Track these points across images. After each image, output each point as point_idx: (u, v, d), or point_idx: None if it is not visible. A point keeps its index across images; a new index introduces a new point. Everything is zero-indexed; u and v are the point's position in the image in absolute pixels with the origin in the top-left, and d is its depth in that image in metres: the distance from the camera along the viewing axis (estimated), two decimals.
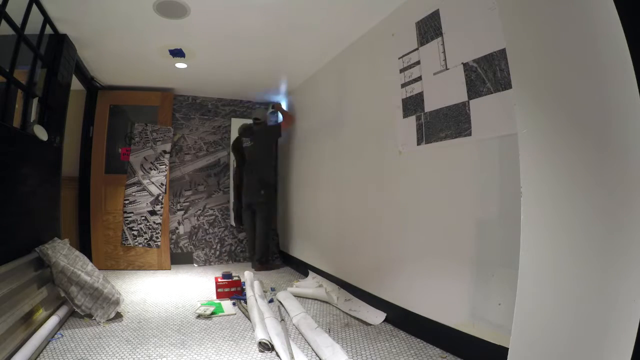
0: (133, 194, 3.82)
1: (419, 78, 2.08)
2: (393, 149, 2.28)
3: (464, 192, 1.78)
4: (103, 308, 2.22)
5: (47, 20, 2.34)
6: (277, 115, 3.70)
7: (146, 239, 3.80)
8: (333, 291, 2.67)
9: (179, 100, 4.25)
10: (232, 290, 2.76)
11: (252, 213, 3.90)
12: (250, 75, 3.67)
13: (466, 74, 1.76)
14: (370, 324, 2.22)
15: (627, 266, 0.90)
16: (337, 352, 1.72)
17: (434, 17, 1.96)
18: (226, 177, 4.39)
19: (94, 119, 3.82)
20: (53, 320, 1.95)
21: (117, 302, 2.28)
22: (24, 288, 1.82)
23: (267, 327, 2.01)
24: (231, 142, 4.34)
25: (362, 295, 2.54)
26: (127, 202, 3.80)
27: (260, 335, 1.90)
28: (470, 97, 1.74)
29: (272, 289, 3.03)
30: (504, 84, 1.56)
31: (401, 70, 2.22)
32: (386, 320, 2.26)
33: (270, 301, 2.71)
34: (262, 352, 1.81)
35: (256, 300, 2.49)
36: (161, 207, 3.86)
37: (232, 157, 4.41)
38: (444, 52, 1.90)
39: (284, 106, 4.26)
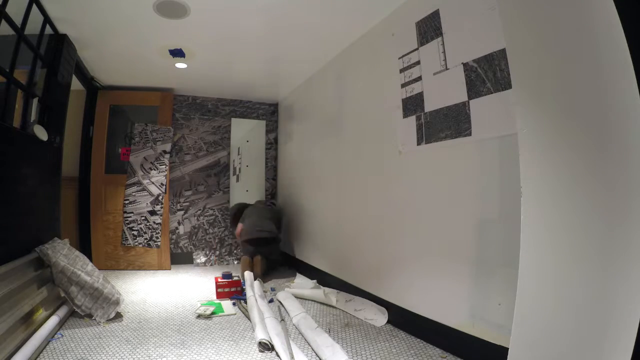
0: (133, 194, 3.82)
1: (419, 78, 2.08)
2: (393, 149, 2.28)
3: (464, 192, 1.78)
4: (103, 308, 2.22)
5: (47, 20, 2.34)
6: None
7: (146, 239, 3.80)
8: (331, 293, 2.67)
9: (179, 100, 4.25)
10: (232, 290, 2.76)
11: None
12: (250, 75, 3.67)
13: (466, 74, 1.76)
14: (376, 326, 2.21)
15: (627, 266, 0.90)
16: (337, 352, 1.72)
17: (434, 17, 1.96)
18: (226, 177, 4.39)
19: (94, 119, 3.82)
20: (53, 321, 1.95)
21: (117, 302, 2.28)
22: (24, 288, 1.82)
23: (267, 327, 2.01)
24: (231, 142, 4.36)
25: (362, 295, 2.54)
26: (127, 202, 3.80)
27: (260, 335, 1.90)
28: (470, 97, 1.74)
29: (272, 289, 3.03)
30: (504, 84, 1.56)
31: (401, 70, 2.22)
32: (386, 320, 2.26)
33: (270, 301, 2.71)
34: (262, 352, 1.81)
35: (256, 300, 2.49)
36: (161, 207, 3.86)
37: (232, 157, 4.42)
38: (444, 52, 1.90)
39: None
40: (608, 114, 0.95)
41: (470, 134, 1.74)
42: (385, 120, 2.37)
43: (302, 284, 3.09)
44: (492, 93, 1.63)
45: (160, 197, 3.86)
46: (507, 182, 1.55)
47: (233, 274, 2.87)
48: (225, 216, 4.34)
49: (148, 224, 3.81)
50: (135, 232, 3.78)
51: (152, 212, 3.83)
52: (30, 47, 2.15)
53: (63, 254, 2.21)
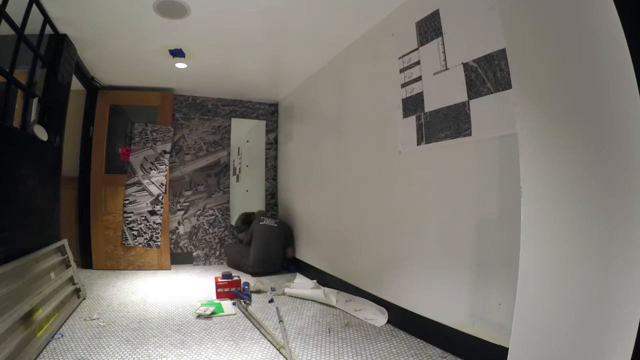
0: (133, 194, 3.82)
1: (419, 78, 2.08)
2: (393, 149, 2.28)
3: (464, 192, 1.78)
4: None
5: (47, 20, 2.34)
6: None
7: (146, 239, 3.79)
8: (331, 293, 2.67)
9: (179, 100, 4.25)
10: (232, 290, 2.76)
11: None
12: (250, 75, 3.67)
13: (466, 74, 1.76)
14: (376, 326, 2.21)
15: (627, 266, 0.90)
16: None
17: (434, 17, 1.96)
18: (226, 177, 4.39)
19: (94, 119, 3.82)
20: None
21: None
22: (24, 288, 1.82)
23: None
24: (231, 142, 4.36)
25: (362, 295, 2.54)
26: (127, 202, 3.80)
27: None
28: (470, 97, 1.74)
29: (272, 289, 3.03)
30: (504, 84, 1.56)
31: (401, 70, 2.22)
32: (386, 320, 2.26)
33: (271, 301, 2.71)
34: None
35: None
36: (161, 207, 3.86)
37: (232, 157, 4.42)
38: (444, 52, 1.90)
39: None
40: (608, 114, 0.95)
41: (470, 134, 1.74)
42: (385, 120, 2.37)
43: (302, 284, 3.09)
44: (492, 93, 1.63)
45: (160, 197, 3.86)
46: (507, 182, 1.55)
47: (233, 274, 2.87)
48: (226, 216, 4.34)
49: (148, 224, 3.81)
50: (135, 232, 3.78)
51: (152, 212, 3.83)
52: (30, 47, 2.15)
53: None
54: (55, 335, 1.93)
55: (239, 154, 4.48)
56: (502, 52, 1.55)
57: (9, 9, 1.82)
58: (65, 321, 2.15)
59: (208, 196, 4.30)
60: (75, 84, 3.19)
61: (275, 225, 3.82)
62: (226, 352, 1.81)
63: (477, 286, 1.68)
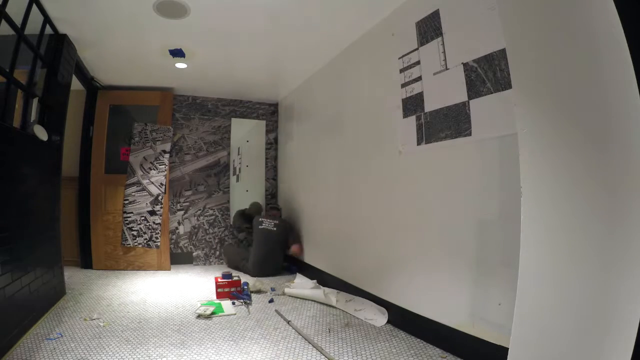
0: (133, 194, 3.82)
1: (419, 78, 2.08)
2: (393, 149, 2.28)
3: (464, 192, 1.78)
4: None
5: (47, 20, 2.34)
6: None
7: (146, 239, 3.79)
8: (331, 293, 2.67)
9: (179, 100, 4.25)
10: (231, 292, 2.76)
11: None
12: (250, 75, 3.67)
13: (466, 74, 1.76)
14: (376, 326, 2.21)
15: (627, 266, 0.90)
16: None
17: (434, 17, 1.96)
18: (226, 177, 4.39)
19: (94, 119, 3.82)
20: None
21: None
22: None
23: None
24: (231, 142, 4.36)
25: (362, 295, 2.54)
26: (126, 202, 3.80)
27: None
28: (470, 97, 1.74)
29: (272, 289, 3.03)
30: (504, 84, 1.56)
31: (401, 70, 2.22)
32: (386, 320, 2.26)
33: (271, 301, 2.71)
34: None
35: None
36: (161, 207, 3.86)
37: (232, 157, 4.42)
38: (444, 52, 1.90)
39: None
40: (608, 114, 0.95)
41: (470, 134, 1.74)
42: (385, 120, 2.37)
43: (302, 284, 3.09)
44: (492, 93, 1.63)
45: (159, 197, 3.86)
46: (507, 182, 1.55)
47: (233, 274, 2.87)
48: (226, 216, 4.34)
49: (148, 224, 3.81)
50: (135, 232, 3.78)
51: (152, 212, 3.83)
52: (30, 47, 2.15)
53: None
54: (55, 335, 1.93)
55: (239, 154, 4.48)
56: (502, 52, 1.55)
57: (9, 9, 1.82)
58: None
59: (208, 196, 4.30)
60: (75, 84, 3.19)
61: (275, 228, 3.73)
62: (226, 352, 1.81)
63: (477, 286, 1.68)
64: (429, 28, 2.00)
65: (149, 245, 3.80)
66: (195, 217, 4.23)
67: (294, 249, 3.76)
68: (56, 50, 2.54)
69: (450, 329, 1.79)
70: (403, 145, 2.20)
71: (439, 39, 1.93)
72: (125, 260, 3.76)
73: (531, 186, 1.14)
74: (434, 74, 1.97)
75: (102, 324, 2.14)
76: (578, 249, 1.02)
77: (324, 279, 3.13)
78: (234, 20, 2.47)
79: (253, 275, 3.56)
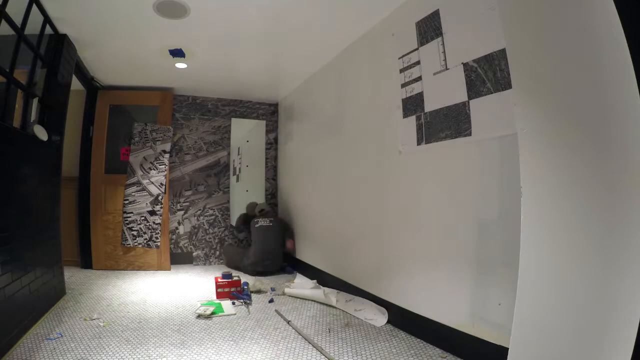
0: (133, 194, 3.82)
1: (419, 78, 2.08)
2: (393, 149, 2.28)
3: (464, 192, 1.78)
4: None
5: (47, 20, 2.34)
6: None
7: (146, 239, 3.79)
8: (331, 293, 2.67)
9: (179, 100, 4.25)
10: (231, 292, 2.76)
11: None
12: (250, 75, 3.67)
13: (466, 74, 1.76)
14: (376, 326, 2.21)
15: (627, 266, 0.90)
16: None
17: (434, 17, 1.96)
18: (226, 177, 4.39)
19: (94, 119, 3.82)
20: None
21: None
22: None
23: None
24: (231, 142, 4.36)
25: (362, 295, 2.54)
26: (126, 202, 3.80)
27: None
28: (470, 97, 1.74)
29: (272, 289, 3.03)
30: (504, 84, 1.56)
31: (401, 70, 2.22)
32: (386, 320, 2.26)
33: (271, 301, 2.71)
34: None
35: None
36: (161, 207, 3.86)
37: (232, 157, 4.42)
38: (444, 52, 1.90)
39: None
40: (608, 114, 0.95)
41: (470, 134, 1.74)
42: (385, 120, 2.37)
43: (302, 284, 3.09)
44: (492, 93, 1.63)
45: (159, 197, 3.86)
46: (507, 182, 1.55)
47: (233, 274, 2.87)
48: (226, 216, 4.34)
49: (148, 224, 3.81)
50: (135, 232, 3.78)
51: (152, 212, 3.83)
52: (30, 47, 2.15)
53: None
54: (55, 335, 1.93)
55: (239, 154, 4.48)
56: (502, 52, 1.55)
57: (9, 9, 1.82)
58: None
59: (208, 196, 4.30)
60: (75, 84, 3.19)
61: (271, 224, 3.83)
62: (226, 352, 1.81)
63: (477, 286, 1.68)
64: (429, 28, 2.00)
65: (149, 245, 3.80)
66: (195, 217, 4.23)
67: (288, 244, 3.89)
68: (56, 50, 2.54)
69: (450, 329, 1.79)
70: (403, 145, 2.20)
71: (439, 39, 1.93)
72: (125, 260, 3.76)
73: (531, 186, 1.14)
74: (434, 74, 1.97)
75: (102, 324, 2.14)
76: (578, 248, 1.02)
77: (324, 279, 3.13)
78: (234, 20, 2.47)
79: (253, 274, 3.58)
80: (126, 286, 3.09)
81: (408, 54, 2.16)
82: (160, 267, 3.80)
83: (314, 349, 1.86)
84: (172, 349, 1.84)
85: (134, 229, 3.78)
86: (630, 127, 0.90)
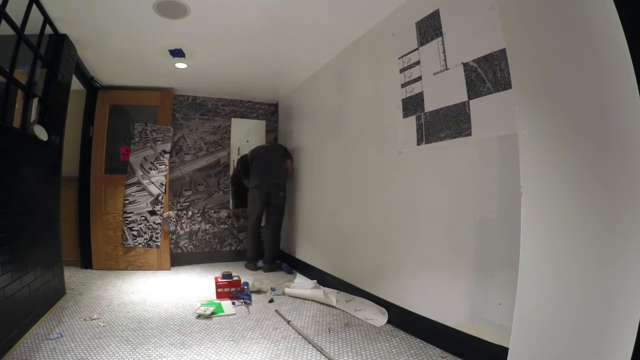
0: (133, 194, 3.82)
1: (419, 78, 2.08)
2: (393, 149, 2.28)
3: (464, 192, 1.78)
4: None
5: (47, 20, 2.34)
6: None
7: (146, 239, 3.79)
8: (331, 293, 2.67)
9: (179, 100, 4.26)
10: (231, 290, 2.76)
11: (264, 206, 3.81)
12: (250, 76, 3.67)
13: (466, 74, 1.76)
14: (376, 326, 2.21)
15: (627, 266, 0.90)
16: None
17: (434, 17, 1.96)
18: (226, 177, 4.39)
19: (94, 119, 3.82)
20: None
21: None
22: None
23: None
24: (231, 142, 4.37)
25: (362, 295, 2.54)
26: (127, 202, 3.80)
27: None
28: (470, 97, 1.74)
29: (272, 289, 3.03)
30: (504, 84, 1.56)
31: (401, 70, 2.22)
32: (386, 320, 2.26)
33: (271, 301, 2.71)
34: None
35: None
36: (161, 207, 3.86)
37: (232, 157, 4.41)
38: (444, 52, 1.90)
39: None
40: (608, 114, 0.95)
41: (470, 134, 1.74)
42: (385, 120, 2.37)
43: (302, 284, 3.09)
44: (492, 93, 1.63)
45: (160, 197, 3.86)
46: (507, 182, 1.55)
47: (233, 274, 2.87)
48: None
49: (148, 224, 3.81)
50: (135, 232, 3.78)
51: (152, 212, 3.83)
52: (30, 47, 2.15)
53: None
54: (55, 335, 1.93)
55: (239, 154, 4.48)
56: (502, 52, 1.55)
57: (9, 9, 1.82)
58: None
59: (208, 196, 4.30)
60: (75, 84, 3.19)
61: (269, 145, 4.00)
62: (226, 352, 1.81)
63: (477, 286, 1.68)
64: (429, 28, 2.00)
65: (149, 245, 3.80)
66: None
67: (288, 165, 3.93)
68: (56, 50, 2.54)
69: (450, 329, 1.79)
70: (403, 145, 2.20)
71: (439, 39, 1.93)
72: (125, 260, 3.76)
73: (531, 186, 1.14)
74: (434, 74, 1.97)
75: (102, 324, 2.14)
76: (578, 248, 1.02)
77: (324, 279, 3.13)
78: (234, 20, 2.47)
79: (258, 186, 3.75)
80: (126, 286, 3.09)
81: (408, 54, 2.16)
82: (160, 267, 3.80)
83: (314, 349, 1.86)
84: (172, 349, 1.84)
85: (134, 229, 3.78)
86: (630, 127, 0.90)
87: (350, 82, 2.87)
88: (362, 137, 2.67)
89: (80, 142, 3.80)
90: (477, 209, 1.70)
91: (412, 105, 2.13)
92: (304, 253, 3.72)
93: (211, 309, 2.41)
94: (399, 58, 2.23)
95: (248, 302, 2.66)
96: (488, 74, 1.64)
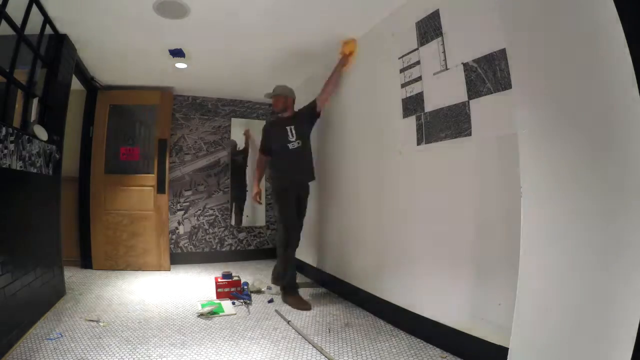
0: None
1: (419, 78, 2.08)
2: (393, 149, 2.28)
3: (464, 192, 1.78)
4: None
5: (47, 20, 2.34)
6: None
7: None
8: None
9: (179, 100, 4.25)
10: (231, 290, 2.76)
11: (298, 200, 2.84)
12: (250, 75, 3.67)
13: (466, 74, 1.76)
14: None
15: (627, 266, 0.90)
16: None
17: (434, 17, 1.96)
18: (226, 177, 4.39)
19: (94, 119, 3.82)
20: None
21: None
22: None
23: None
24: (230, 140, 4.37)
25: (362, 295, 2.54)
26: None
27: None
28: (470, 97, 1.74)
29: (269, 288, 3.02)
30: (504, 84, 1.56)
31: (401, 70, 2.22)
32: (386, 320, 2.26)
33: (270, 301, 2.71)
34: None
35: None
36: None
37: (231, 157, 4.41)
38: (444, 52, 1.90)
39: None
40: (608, 114, 0.95)
41: (470, 134, 1.74)
42: (385, 120, 2.37)
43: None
44: (492, 93, 1.63)
45: None
46: (507, 182, 1.55)
47: (233, 274, 2.87)
48: (226, 216, 4.34)
49: None
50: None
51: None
52: (30, 47, 2.15)
53: None
54: (55, 335, 1.93)
55: (237, 149, 4.47)
56: (502, 52, 1.55)
57: (9, 9, 1.82)
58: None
59: (208, 196, 4.30)
60: (75, 84, 3.19)
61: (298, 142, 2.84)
62: (226, 352, 1.81)
63: (477, 286, 1.68)
64: (429, 28, 2.00)
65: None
66: (195, 217, 4.23)
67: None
68: (56, 50, 2.54)
69: (450, 329, 1.79)
70: (403, 145, 2.20)
71: (439, 39, 1.93)
72: (125, 260, 3.75)
73: (531, 186, 1.14)
74: (434, 74, 1.97)
75: (102, 324, 2.14)
76: (578, 249, 1.02)
77: (323, 278, 3.13)
78: (234, 20, 2.47)
79: (292, 181, 2.81)
80: (126, 286, 3.09)
81: (408, 54, 2.16)
82: (160, 267, 3.80)
83: (314, 349, 1.86)
84: (172, 349, 1.84)
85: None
86: (630, 127, 0.90)
87: (350, 82, 2.87)
88: (362, 136, 2.67)
89: (80, 142, 3.80)
90: (477, 209, 1.70)
91: (412, 105, 2.13)
92: (304, 253, 3.72)
93: (211, 309, 2.40)
94: (399, 58, 2.23)
95: (248, 302, 2.66)
96: (488, 74, 1.64)
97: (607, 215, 0.95)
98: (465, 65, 1.76)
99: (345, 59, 2.82)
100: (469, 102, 1.75)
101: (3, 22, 1.81)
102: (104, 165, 3.81)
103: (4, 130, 1.75)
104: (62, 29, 2.55)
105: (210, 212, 4.30)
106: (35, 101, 2.32)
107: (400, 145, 2.23)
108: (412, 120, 2.12)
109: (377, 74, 2.49)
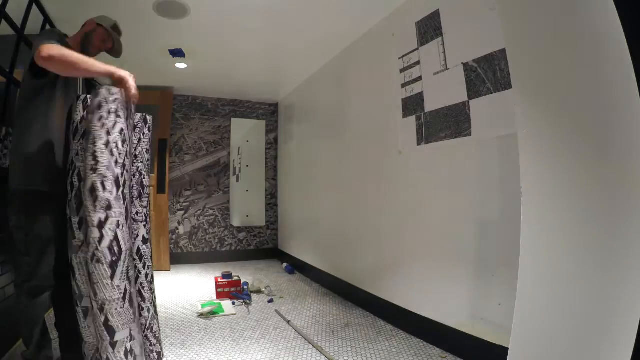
0: None
1: (419, 78, 2.08)
2: (393, 149, 2.28)
3: (464, 192, 1.78)
4: None
5: (47, 20, 2.34)
6: None
7: None
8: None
9: (179, 100, 4.26)
10: (231, 290, 2.76)
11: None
12: (250, 75, 3.67)
13: (466, 74, 1.76)
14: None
15: (627, 266, 0.90)
16: None
17: (434, 17, 1.96)
18: (226, 177, 4.39)
19: None
20: None
21: None
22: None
23: None
24: (231, 140, 4.37)
25: (363, 294, 2.54)
26: None
27: None
28: (470, 97, 1.74)
29: (268, 287, 3.03)
30: (504, 84, 1.56)
31: (401, 70, 2.22)
32: (386, 320, 2.26)
33: (270, 301, 2.71)
34: None
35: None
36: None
37: (232, 157, 4.42)
38: (444, 52, 1.90)
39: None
40: (608, 114, 0.95)
41: (470, 134, 1.74)
42: (385, 120, 2.37)
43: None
44: (492, 93, 1.63)
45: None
46: (507, 182, 1.55)
47: (233, 274, 2.87)
48: (226, 216, 4.34)
49: None
50: None
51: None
52: (30, 47, 2.14)
53: None
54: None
55: (239, 154, 4.48)
56: (502, 52, 1.55)
57: (9, 9, 1.82)
58: None
59: (208, 196, 4.30)
60: None
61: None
62: (226, 352, 1.81)
63: (477, 286, 1.68)
64: (429, 28, 2.00)
65: None
66: (195, 217, 4.23)
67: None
68: None
69: (450, 329, 1.79)
70: (403, 145, 2.20)
71: (439, 39, 1.93)
72: None
73: (531, 186, 1.14)
74: (434, 74, 1.97)
75: None
76: (578, 248, 1.02)
77: (323, 278, 3.13)
78: (234, 20, 2.47)
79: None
80: None
81: (408, 54, 2.16)
82: (160, 268, 3.80)
83: (314, 348, 1.87)
84: (172, 349, 1.84)
85: None
86: (631, 128, 0.90)
87: (350, 82, 2.87)
88: (362, 137, 2.67)
89: None
90: (477, 209, 1.71)
91: (412, 105, 2.13)
92: (304, 253, 3.72)
93: (211, 309, 2.41)
94: (399, 58, 2.23)
95: (248, 302, 2.66)
96: (488, 74, 1.64)
97: (607, 215, 0.95)
98: (465, 65, 1.76)
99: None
100: (469, 102, 1.75)
101: (3, 22, 1.81)
102: None
103: (4, 130, 1.75)
104: (62, 29, 2.55)
105: (210, 212, 4.30)
106: None
107: (400, 145, 2.23)
108: (412, 120, 2.12)
109: (377, 74, 2.49)
